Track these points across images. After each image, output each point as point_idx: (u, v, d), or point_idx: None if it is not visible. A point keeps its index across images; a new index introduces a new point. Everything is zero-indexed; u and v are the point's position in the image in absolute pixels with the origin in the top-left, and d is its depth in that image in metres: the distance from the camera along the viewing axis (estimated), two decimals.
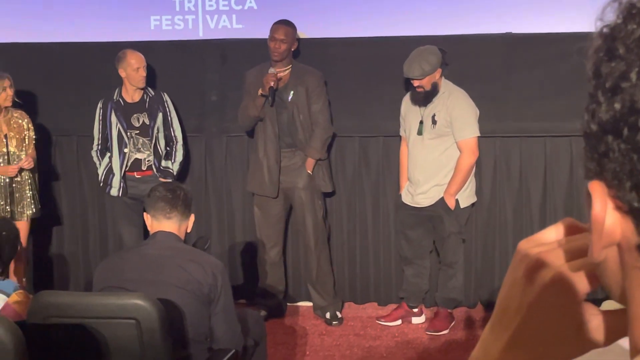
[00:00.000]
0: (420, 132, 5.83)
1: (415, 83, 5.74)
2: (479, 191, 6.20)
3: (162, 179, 5.93)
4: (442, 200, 5.80)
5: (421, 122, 5.82)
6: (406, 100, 5.97)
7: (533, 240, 0.85)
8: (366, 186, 6.49)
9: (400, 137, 6.11)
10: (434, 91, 5.76)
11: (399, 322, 6.16)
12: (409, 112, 5.92)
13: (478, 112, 5.83)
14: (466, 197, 5.89)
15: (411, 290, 6.17)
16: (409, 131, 5.92)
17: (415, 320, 6.18)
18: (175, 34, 6.76)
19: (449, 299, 6.08)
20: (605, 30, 0.76)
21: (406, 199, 5.99)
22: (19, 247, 3.99)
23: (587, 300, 0.82)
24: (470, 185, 5.93)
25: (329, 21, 6.57)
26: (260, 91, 5.94)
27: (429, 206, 5.86)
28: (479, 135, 5.82)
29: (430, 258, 6.19)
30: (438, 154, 5.81)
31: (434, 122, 5.77)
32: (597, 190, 0.76)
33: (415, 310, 6.19)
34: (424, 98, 5.77)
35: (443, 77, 5.83)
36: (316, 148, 6.03)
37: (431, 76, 5.71)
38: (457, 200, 5.81)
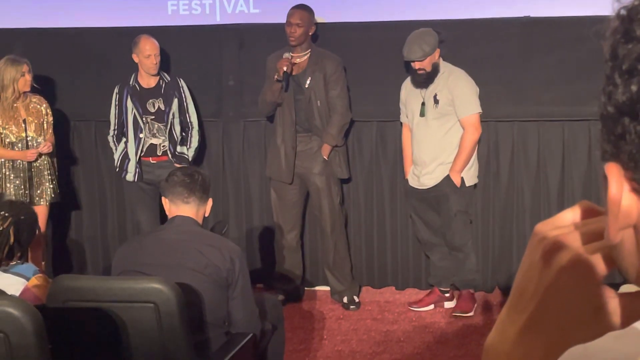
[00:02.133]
0: (422, 114, 5.86)
1: (417, 65, 5.79)
2: (496, 175, 6.19)
3: (177, 165, 5.94)
4: (447, 178, 5.83)
5: (423, 104, 5.85)
6: (406, 85, 6.01)
7: (550, 223, 0.85)
8: (383, 171, 6.49)
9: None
10: (434, 72, 5.82)
11: (431, 307, 6.15)
12: (410, 96, 5.96)
13: (478, 89, 5.87)
14: (471, 176, 5.93)
15: (440, 275, 6.16)
16: (411, 115, 5.95)
17: (448, 304, 6.16)
18: (192, 19, 6.76)
19: (467, 279, 6.07)
20: (622, 11, 0.75)
21: (413, 182, 6.02)
22: (37, 232, 4.01)
23: (604, 284, 0.82)
24: (474, 164, 5.96)
25: (348, 5, 6.55)
26: (275, 76, 5.94)
27: (434, 186, 5.89)
28: (481, 111, 5.83)
29: None
30: (442, 134, 5.84)
31: (436, 101, 5.81)
32: (614, 172, 0.76)
33: (447, 294, 6.19)
34: (425, 79, 5.83)
35: (441, 58, 5.86)
36: (332, 134, 6.03)
37: (431, 57, 5.77)
38: (462, 178, 5.83)
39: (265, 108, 6.19)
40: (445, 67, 5.87)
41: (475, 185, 6.05)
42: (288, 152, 6.08)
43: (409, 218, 6.36)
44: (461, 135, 5.82)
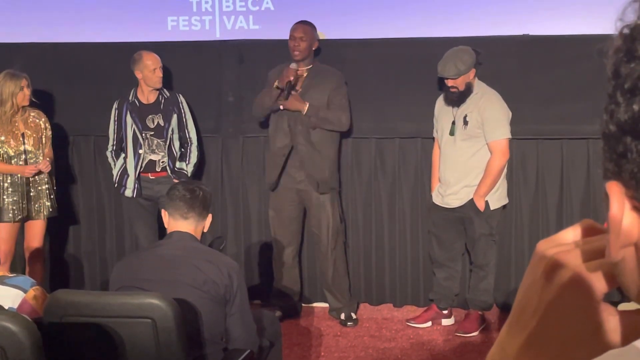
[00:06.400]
0: (452, 133, 5.79)
1: (450, 83, 5.71)
2: None
3: (175, 180, 5.93)
4: (471, 201, 5.76)
5: (453, 123, 5.79)
6: (440, 101, 5.94)
7: (551, 240, 0.85)
8: (382, 188, 6.49)
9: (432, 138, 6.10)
10: (467, 92, 5.73)
11: (429, 323, 6.12)
12: (441, 113, 5.89)
13: (510, 114, 5.79)
14: (497, 199, 5.83)
15: (442, 293, 6.13)
16: (441, 132, 5.89)
17: (445, 322, 6.15)
18: (192, 35, 6.78)
19: (479, 300, 6.04)
20: (625, 30, 0.76)
21: (437, 199, 5.96)
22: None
23: (604, 302, 0.82)
24: (501, 187, 5.87)
25: (347, 22, 6.57)
26: (276, 83, 5.95)
27: (459, 207, 5.83)
28: (510, 137, 5.79)
29: (462, 261, 6.16)
30: (469, 155, 5.77)
31: (466, 122, 5.73)
32: (615, 191, 0.76)
33: (445, 312, 6.17)
34: (457, 98, 5.74)
35: (477, 78, 5.81)
36: (318, 111, 5.95)
37: (465, 76, 5.68)
38: (487, 202, 5.77)
39: (259, 112, 6.20)
40: (479, 87, 5.78)
41: (504, 206, 5.97)
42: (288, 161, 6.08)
43: (410, 235, 6.35)
44: (488, 159, 5.76)
